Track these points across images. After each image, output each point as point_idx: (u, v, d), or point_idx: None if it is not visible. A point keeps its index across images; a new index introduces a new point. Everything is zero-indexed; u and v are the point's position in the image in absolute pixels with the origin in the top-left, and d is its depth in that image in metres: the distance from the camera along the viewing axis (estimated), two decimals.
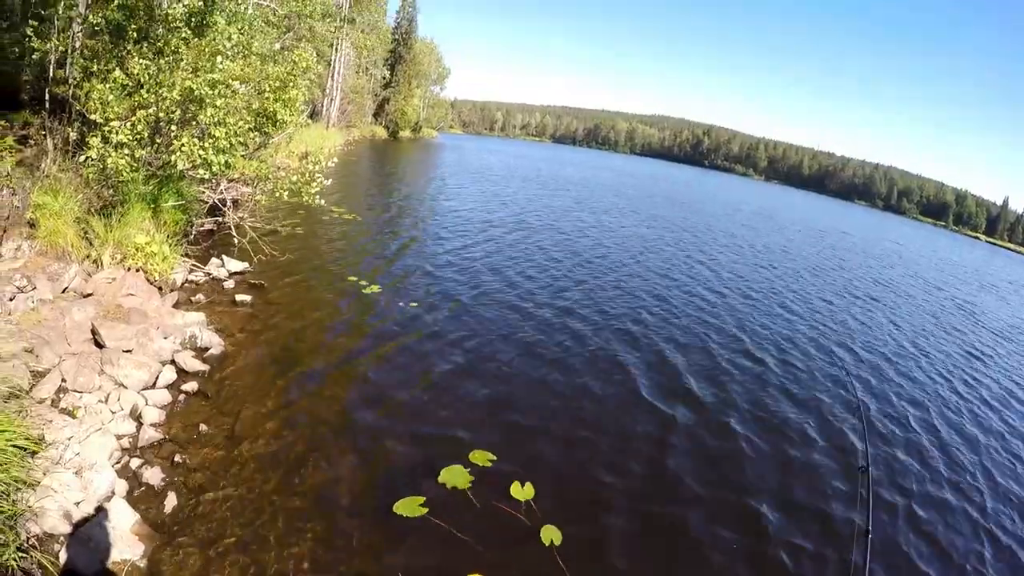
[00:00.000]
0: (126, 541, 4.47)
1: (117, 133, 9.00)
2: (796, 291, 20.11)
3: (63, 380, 5.98)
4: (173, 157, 9.74)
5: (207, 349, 7.77)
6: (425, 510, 5.76)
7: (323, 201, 12.83)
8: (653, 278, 17.84)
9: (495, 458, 6.87)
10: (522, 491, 6.32)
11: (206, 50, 9.94)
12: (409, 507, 5.78)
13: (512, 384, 9.03)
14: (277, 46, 12.87)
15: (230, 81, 10.21)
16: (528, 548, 5.60)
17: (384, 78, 66.66)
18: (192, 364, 7.24)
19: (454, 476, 6.43)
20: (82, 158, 9.17)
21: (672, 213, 39.01)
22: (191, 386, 6.86)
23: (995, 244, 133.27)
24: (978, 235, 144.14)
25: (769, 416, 9.50)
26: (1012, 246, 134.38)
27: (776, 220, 50.72)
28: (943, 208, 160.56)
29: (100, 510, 4.66)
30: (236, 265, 10.96)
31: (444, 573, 5.12)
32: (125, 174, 9.20)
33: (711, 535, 6.38)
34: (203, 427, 6.20)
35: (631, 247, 22.82)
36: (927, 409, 11.34)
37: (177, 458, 5.62)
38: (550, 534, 5.78)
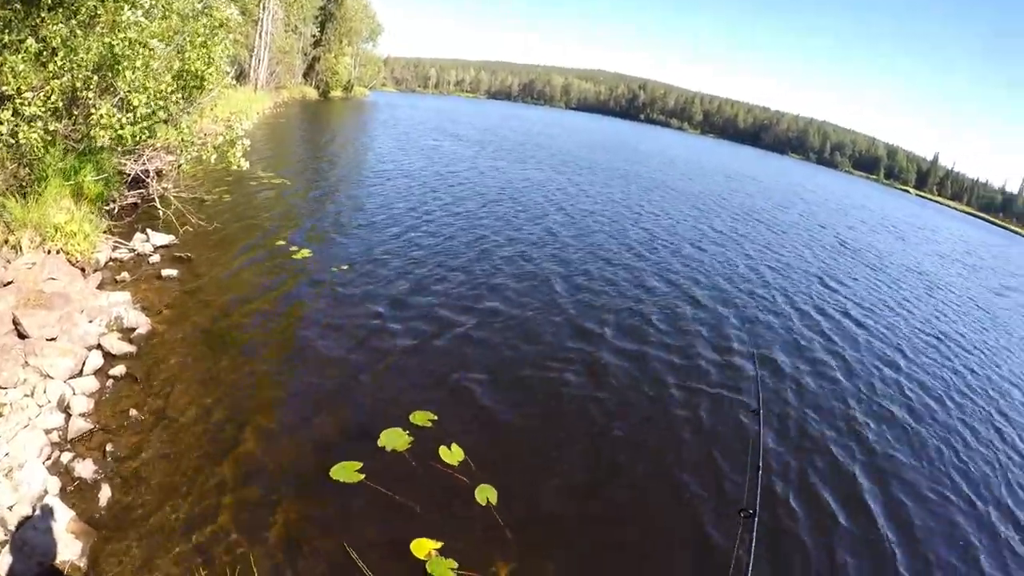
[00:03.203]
0: (64, 541, 4.41)
1: (30, 105, 8.55)
2: (679, 232, 21.70)
3: None
4: (93, 131, 9.34)
5: (134, 329, 7.60)
6: (362, 476, 5.87)
7: (248, 164, 12.49)
8: (586, 232, 18.52)
9: (435, 418, 7.03)
10: (451, 453, 6.47)
11: (124, 5, 9.47)
12: (346, 472, 5.88)
13: (449, 342, 9.18)
14: (199, 4, 12.28)
15: (148, 41, 9.79)
16: (465, 508, 5.78)
17: (314, 36, 64.53)
18: (119, 347, 7.09)
19: (393, 439, 6.54)
20: None
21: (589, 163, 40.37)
22: (119, 370, 6.73)
23: (925, 198, 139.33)
24: (908, 189, 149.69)
25: (684, 372, 9.96)
26: (941, 199, 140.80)
27: (679, 167, 52.72)
28: (875, 162, 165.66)
29: (34, 511, 4.58)
30: (162, 239, 10.66)
31: (385, 538, 5.25)
32: (38, 149, 8.78)
33: (640, 487, 6.75)
34: (133, 412, 6.11)
35: (556, 199, 23.77)
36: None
37: (109, 447, 5.56)
38: (486, 493, 5.98)
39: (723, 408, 8.74)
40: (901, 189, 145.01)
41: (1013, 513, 7.98)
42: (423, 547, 5.17)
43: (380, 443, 6.42)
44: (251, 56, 45.25)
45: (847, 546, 6.43)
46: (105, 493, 5.01)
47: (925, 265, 28.17)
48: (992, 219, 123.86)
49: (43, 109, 8.66)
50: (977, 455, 9.29)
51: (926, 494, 7.83)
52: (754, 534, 4.93)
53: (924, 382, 11.63)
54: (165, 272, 9.46)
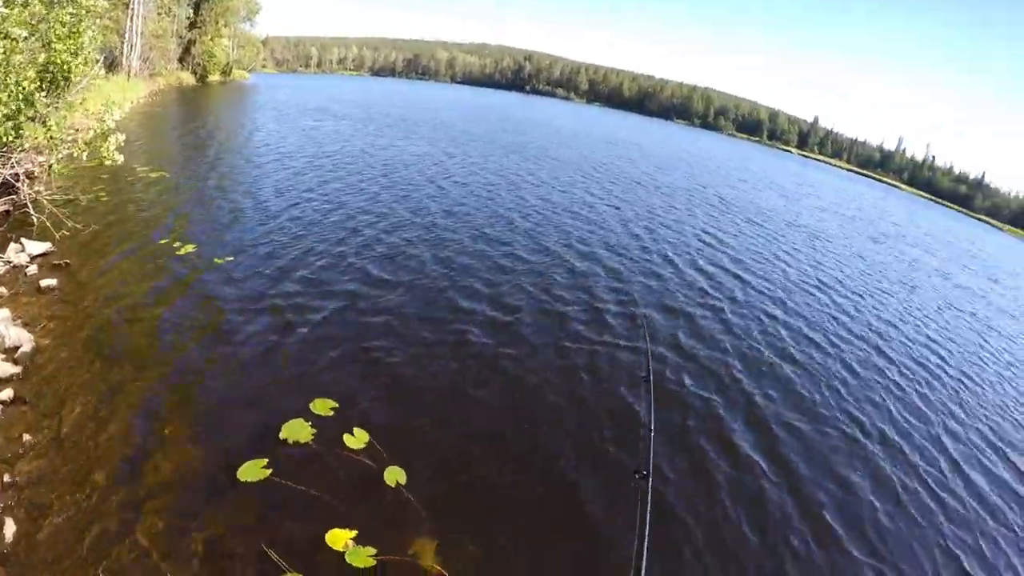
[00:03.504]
0: None
1: None
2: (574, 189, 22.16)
3: None
4: None
5: (18, 348, 7.24)
6: (269, 471, 5.90)
7: (123, 158, 12.03)
8: (464, 206, 18.91)
9: (336, 405, 7.15)
10: (355, 439, 6.59)
11: None
12: (253, 471, 5.90)
13: (340, 326, 9.30)
14: None
15: (10, 31, 9.12)
16: (376, 493, 5.93)
17: (189, 18, 61.37)
18: (3, 368, 6.79)
19: (295, 430, 6.60)
20: None
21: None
22: (6, 394, 6.44)
23: (806, 156, 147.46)
24: (790, 149, 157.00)
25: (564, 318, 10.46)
26: (822, 158, 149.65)
27: (562, 136, 53.93)
28: (757, 125, 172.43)
29: None
30: (37, 247, 10.09)
31: (301, 533, 5.34)
32: None
33: (541, 453, 7.12)
34: (27, 437, 5.90)
35: (433, 173, 24.22)
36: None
37: (6, 478, 5.36)
38: (395, 475, 6.14)
39: (615, 372, 9.23)
40: (783, 149, 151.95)
41: (894, 445, 8.84)
42: (339, 538, 5.29)
43: (283, 436, 6.48)
44: (122, 42, 42.55)
45: (736, 500, 6.98)
46: (9, 527, 4.84)
47: (806, 218, 29.99)
48: (871, 174, 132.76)
49: None
50: (859, 395, 10.18)
51: (811, 439, 8.65)
52: (649, 494, 5.18)
53: (805, 330, 12.67)
54: (44, 283, 8.99)
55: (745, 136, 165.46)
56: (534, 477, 6.64)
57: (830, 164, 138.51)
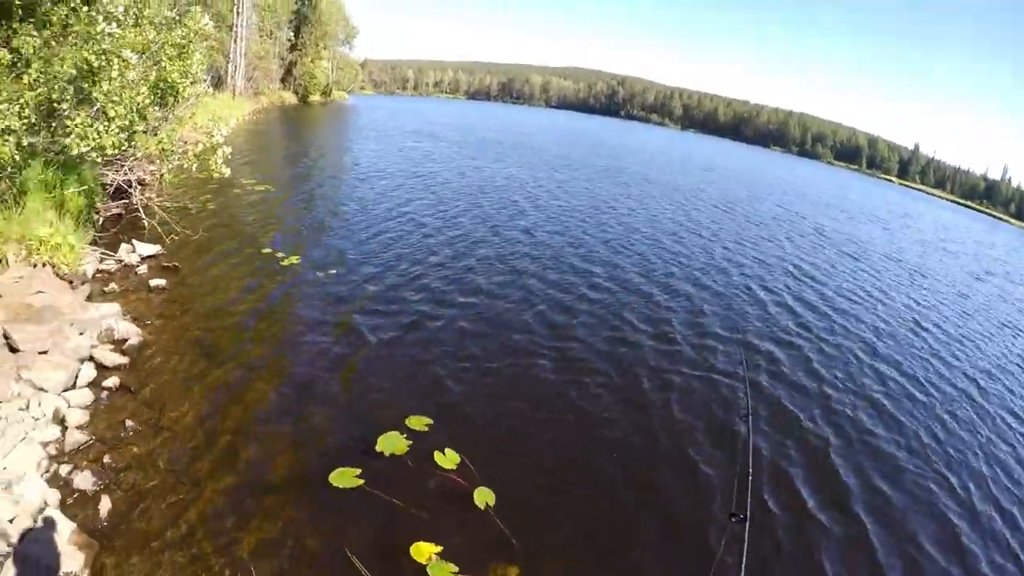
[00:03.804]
0: (66, 553, 4.40)
1: (4, 118, 8.46)
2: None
3: None
4: (70, 142, 9.28)
5: (125, 340, 7.57)
6: (361, 480, 5.88)
7: (229, 171, 12.49)
8: (562, 229, 18.62)
9: (431, 422, 7.05)
10: (446, 458, 6.47)
11: (96, 16, 9.43)
12: (345, 478, 5.90)
13: (442, 346, 9.19)
14: (172, 13, 12.22)
15: (122, 52, 9.74)
16: (465, 512, 5.80)
17: (290, 41, 64.22)
18: (111, 358, 7.06)
19: (390, 443, 6.55)
20: None
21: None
22: (113, 381, 6.71)
23: (907, 186, 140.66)
24: (891, 178, 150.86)
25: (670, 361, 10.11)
26: (923, 187, 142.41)
27: (658, 161, 53.41)
28: (856, 152, 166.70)
29: (36, 524, 4.57)
30: (148, 249, 10.59)
31: (386, 542, 5.27)
32: (13, 162, 8.66)
33: (634, 487, 6.81)
34: (129, 423, 6.10)
35: (532, 195, 24.18)
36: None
37: (107, 459, 5.54)
38: (484, 497, 5.99)
39: (711, 409, 8.77)
40: (883, 178, 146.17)
41: (1003, 508, 8.01)
42: (423, 551, 5.18)
43: (378, 448, 6.43)
44: (227, 63, 44.97)
45: (836, 551, 6.41)
46: (105, 504, 4.99)
47: (907, 253, 28.38)
48: (976, 206, 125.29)
49: (18, 122, 8.56)
50: (964, 446, 9.36)
51: (917, 493, 7.83)
52: (746, 538, 4.97)
53: (909, 372, 11.74)
54: (153, 282, 9.41)
55: (844, 164, 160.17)
56: (624, 510, 6.32)
57: (933, 195, 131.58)
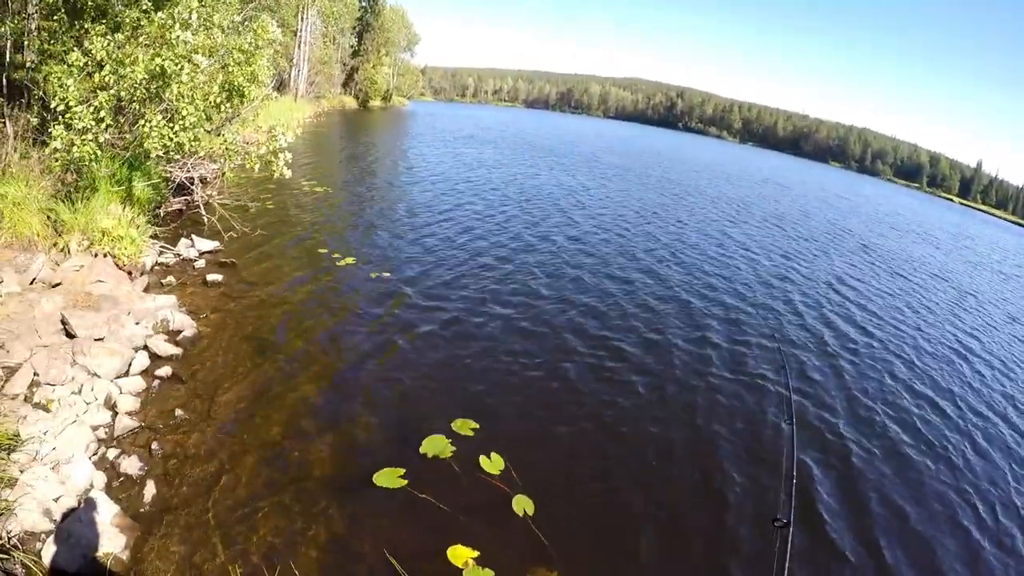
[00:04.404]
0: (108, 534, 4.47)
1: (80, 119, 8.77)
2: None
3: (35, 374, 5.89)
4: (146, 143, 9.58)
5: (180, 332, 7.72)
6: (405, 481, 5.84)
7: (291, 173, 12.64)
8: (616, 238, 18.34)
9: (476, 426, 6.97)
10: (490, 463, 6.39)
11: (169, 22, 9.71)
12: (389, 478, 5.87)
13: (492, 351, 9.11)
14: (239, 18, 12.55)
15: (193, 56, 10.00)
16: (504, 518, 5.71)
17: (352, 47, 65.45)
18: (165, 348, 7.20)
19: (435, 446, 6.50)
20: (47, 150, 8.93)
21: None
22: (165, 371, 6.83)
23: (968, 206, 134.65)
24: (951, 197, 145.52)
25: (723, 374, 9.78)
26: (985, 207, 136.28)
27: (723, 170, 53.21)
28: (917, 170, 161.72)
29: (80, 504, 4.66)
30: (206, 244, 10.85)
31: (425, 544, 5.20)
32: (89, 159, 8.99)
33: (677, 495, 6.61)
34: (179, 412, 6.19)
35: (587, 204, 23.92)
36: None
37: (154, 446, 5.62)
38: (523, 504, 5.89)
39: (755, 415, 8.52)
40: (944, 197, 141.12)
41: None
42: (460, 555, 5.12)
43: (423, 450, 6.39)
44: (290, 66, 46.10)
45: (879, 560, 6.21)
46: (149, 489, 5.07)
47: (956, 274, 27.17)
48: None
49: (93, 121, 8.89)
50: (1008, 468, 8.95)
51: (953, 510, 7.47)
52: (789, 544, 4.83)
53: (954, 391, 11.22)
54: (210, 277, 9.59)
55: (904, 182, 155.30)
56: (665, 518, 6.22)
57: (994, 215, 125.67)
